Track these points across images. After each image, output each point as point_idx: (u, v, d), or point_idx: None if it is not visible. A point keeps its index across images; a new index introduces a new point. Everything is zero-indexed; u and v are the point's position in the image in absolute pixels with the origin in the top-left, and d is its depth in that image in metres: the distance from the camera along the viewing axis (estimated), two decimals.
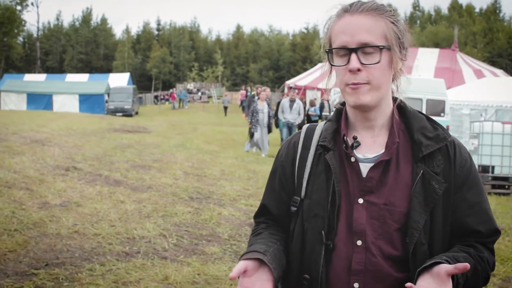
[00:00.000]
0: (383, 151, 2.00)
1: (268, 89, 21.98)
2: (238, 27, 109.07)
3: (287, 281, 2.09)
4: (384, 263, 1.93)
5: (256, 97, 20.71)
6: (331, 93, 32.41)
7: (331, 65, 2.04)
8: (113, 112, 43.94)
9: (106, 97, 47.34)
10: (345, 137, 2.03)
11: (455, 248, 1.97)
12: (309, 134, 2.16)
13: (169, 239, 7.21)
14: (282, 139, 20.23)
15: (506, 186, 14.47)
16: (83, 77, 61.03)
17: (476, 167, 14.44)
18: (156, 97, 75.07)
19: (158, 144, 17.99)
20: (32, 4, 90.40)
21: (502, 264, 7.06)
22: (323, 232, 1.96)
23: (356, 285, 1.94)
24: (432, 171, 1.97)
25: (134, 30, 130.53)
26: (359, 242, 1.94)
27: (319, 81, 50.56)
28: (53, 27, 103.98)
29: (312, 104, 24.56)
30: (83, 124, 23.04)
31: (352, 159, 2.01)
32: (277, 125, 21.13)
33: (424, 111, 24.53)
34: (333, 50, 2.00)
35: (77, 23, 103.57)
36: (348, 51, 1.93)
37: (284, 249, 2.10)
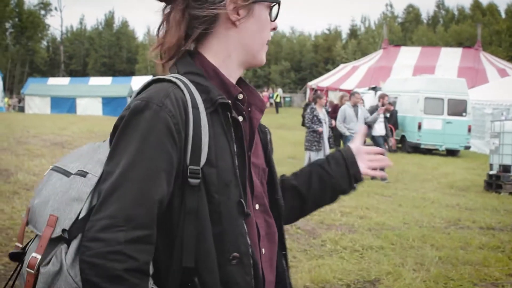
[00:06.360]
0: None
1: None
2: None
3: (206, 268, 1.70)
4: (274, 222, 1.93)
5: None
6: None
7: (271, 20, 1.92)
8: None
9: (129, 100, 47.57)
10: (240, 94, 1.87)
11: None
12: (188, 89, 1.77)
13: None
14: None
15: None
16: (106, 80, 61.18)
17: (497, 166, 14.38)
18: None
19: None
20: (55, 8, 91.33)
21: None
22: (242, 201, 1.75)
23: (263, 251, 1.88)
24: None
25: None
26: (257, 206, 1.88)
27: (342, 82, 50.43)
28: (76, 31, 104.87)
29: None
30: (104, 127, 23.09)
31: (240, 118, 1.85)
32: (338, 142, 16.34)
33: (445, 111, 24.17)
34: (267, 2, 1.88)
35: (100, 27, 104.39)
36: (278, 7, 1.91)
37: None
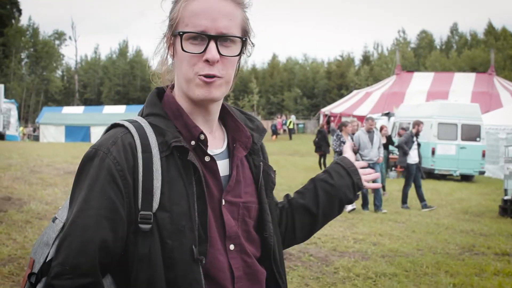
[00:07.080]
0: (224, 146, 1.93)
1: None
2: (274, 56, 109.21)
3: None
4: (255, 261, 1.89)
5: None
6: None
7: (184, 51, 1.76)
8: None
9: None
10: (201, 134, 1.81)
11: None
12: (142, 134, 1.76)
13: None
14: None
15: None
16: (120, 108, 61.55)
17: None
18: None
19: None
20: (70, 38, 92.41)
21: None
22: (193, 247, 1.70)
23: None
24: (266, 161, 2.04)
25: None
26: (232, 247, 1.84)
27: (355, 108, 50.46)
28: (91, 60, 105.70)
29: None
30: None
31: (207, 158, 1.83)
32: None
33: (459, 137, 24.02)
34: (185, 34, 1.76)
35: (114, 56, 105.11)
36: (207, 38, 1.74)
37: None
